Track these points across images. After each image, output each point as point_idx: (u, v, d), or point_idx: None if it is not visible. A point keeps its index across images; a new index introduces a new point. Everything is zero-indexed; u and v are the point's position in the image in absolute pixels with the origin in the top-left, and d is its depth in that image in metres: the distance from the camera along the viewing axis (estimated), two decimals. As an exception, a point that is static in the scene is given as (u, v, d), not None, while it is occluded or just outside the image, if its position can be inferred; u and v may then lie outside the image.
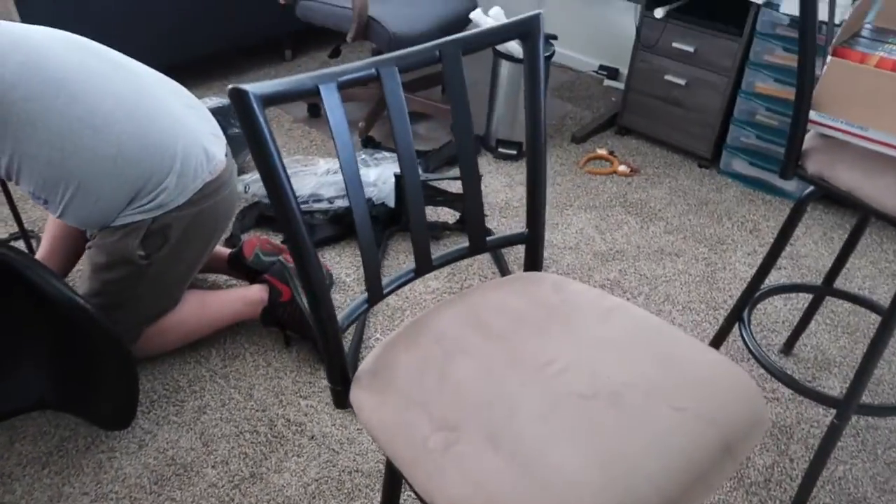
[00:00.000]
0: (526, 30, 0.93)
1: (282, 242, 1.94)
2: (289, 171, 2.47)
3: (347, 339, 1.76)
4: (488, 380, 0.83)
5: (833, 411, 1.58)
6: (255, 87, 0.70)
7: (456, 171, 2.44)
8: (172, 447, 1.48)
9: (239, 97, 0.69)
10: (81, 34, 1.52)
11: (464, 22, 2.56)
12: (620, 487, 0.70)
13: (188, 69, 2.99)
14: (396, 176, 2.08)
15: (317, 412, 1.58)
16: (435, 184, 2.22)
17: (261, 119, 0.70)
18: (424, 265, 0.97)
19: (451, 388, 0.82)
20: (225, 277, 1.94)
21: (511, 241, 1.08)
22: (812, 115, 1.15)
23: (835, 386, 1.74)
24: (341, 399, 0.88)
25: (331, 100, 0.78)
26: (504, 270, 2.03)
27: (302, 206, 2.15)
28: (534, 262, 1.10)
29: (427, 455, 0.75)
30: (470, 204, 1.00)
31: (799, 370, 1.78)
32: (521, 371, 0.85)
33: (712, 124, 2.55)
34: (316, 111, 2.81)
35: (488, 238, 1.05)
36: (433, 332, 0.91)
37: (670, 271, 2.11)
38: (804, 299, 2.04)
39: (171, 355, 1.70)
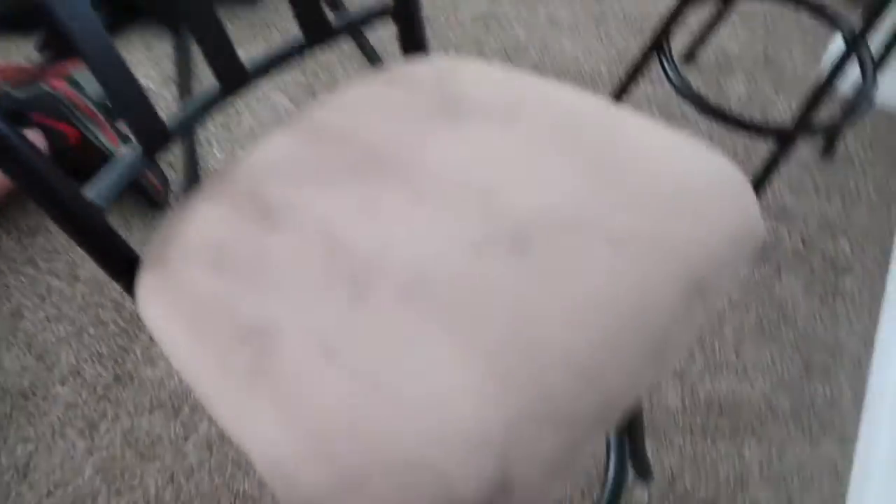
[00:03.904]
0: None
1: (41, 53, 1.40)
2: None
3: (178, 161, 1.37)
4: (325, 245, 0.52)
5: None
6: None
7: None
8: (-3, 374, 1.14)
9: None
10: None
11: None
12: (525, 388, 0.43)
13: None
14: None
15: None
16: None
17: None
18: (233, 77, 0.61)
19: (267, 268, 0.52)
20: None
21: (369, 16, 0.70)
22: None
23: (741, 88, 1.59)
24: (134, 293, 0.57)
25: None
26: (375, 61, 1.60)
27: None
28: (412, 39, 0.73)
29: (230, 381, 0.47)
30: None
31: (703, 79, 1.60)
32: (376, 224, 0.53)
33: None
34: None
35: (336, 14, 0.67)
36: (254, 177, 0.58)
37: (539, -16, 1.77)
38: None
39: (-56, 247, 1.25)
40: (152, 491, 1.04)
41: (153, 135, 0.55)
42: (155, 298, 0.53)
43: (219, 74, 0.59)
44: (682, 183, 0.53)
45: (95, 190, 0.52)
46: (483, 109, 0.61)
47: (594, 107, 0.60)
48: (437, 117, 0.60)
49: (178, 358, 0.51)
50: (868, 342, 1.21)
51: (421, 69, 0.67)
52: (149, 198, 1.29)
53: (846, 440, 1.10)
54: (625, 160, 0.55)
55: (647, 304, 0.47)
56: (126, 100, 0.52)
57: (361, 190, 0.55)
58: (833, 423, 1.12)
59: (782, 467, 1.07)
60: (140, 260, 0.56)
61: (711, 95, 1.59)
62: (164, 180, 1.28)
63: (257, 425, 0.45)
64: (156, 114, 0.54)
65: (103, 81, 0.50)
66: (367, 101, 0.63)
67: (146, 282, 0.54)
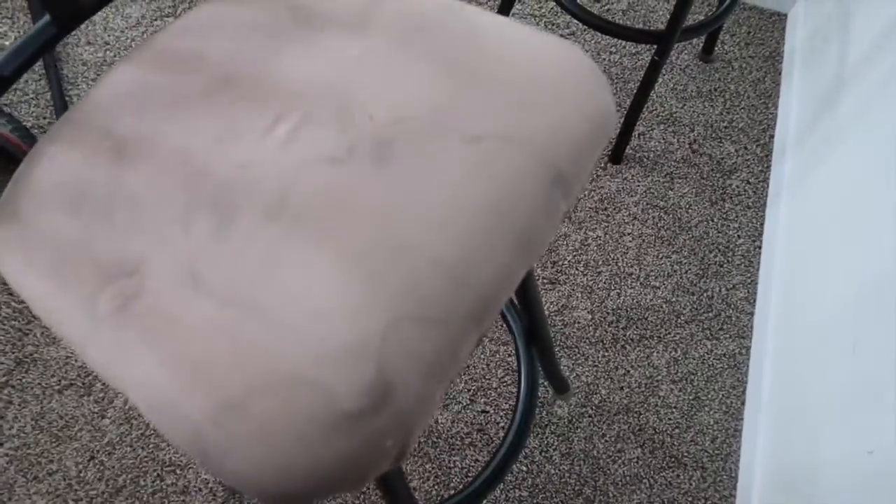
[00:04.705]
0: None
1: None
2: None
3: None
4: (184, 175, 0.51)
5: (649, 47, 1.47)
6: None
7: None
8: None
9: None
10: None
11: None
12: (397, 293, 0.44)
13: None
14: None
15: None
16: None
17: None
18: (64, 8, 0.55)
19: (126, 205, 0.50)
20: None
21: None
22: None
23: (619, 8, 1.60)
24: None
25: None
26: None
27: None
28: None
29: (99, 327, 0.46)
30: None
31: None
32: (234, 148, 0.51)
33: None
34: None
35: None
36: (101, 112, 0.55)
37: None
38: None
39: None
40: (73, 473, 1.02)
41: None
42: (10, 253, 0.49)
43: (49, 7, 0.54)
44: (535, 76, 0.54)
45: None
46: (333, 18, 0.58)
47: (446, 7, 0.59)
48: (287, 31, 0.58)
49: (44, 312, 0.48)
50: (756, 239, 1.28)
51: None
52: (14, 159, 1.20)
53: (743, 335, 1.18)
54: (479, 58, 0.55)
55: (509, 199, 0.48)
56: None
57: (216, 115, 0.52)
58: (730, 320, 1.20)
59: (688, 367, 1.15)
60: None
61: (595, 10, 1.60)
62: (28, 137, 1.19)
63: (132, 367, 0.43)
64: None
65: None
66: (211, 22, 0.59)
67: (2, 229, 0.50)
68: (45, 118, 1.30)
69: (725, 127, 1.43)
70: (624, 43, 1.55)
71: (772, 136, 1.42)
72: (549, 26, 1.54)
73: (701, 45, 1.55)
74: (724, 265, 1.25)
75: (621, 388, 1.12)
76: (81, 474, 1.02)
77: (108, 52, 1.38)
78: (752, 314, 1.20)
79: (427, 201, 0.46)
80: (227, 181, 0.48)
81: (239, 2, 0.60)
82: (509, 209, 0.47)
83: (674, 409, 1.11)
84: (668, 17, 1.60)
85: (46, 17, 0.54)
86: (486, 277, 0.45)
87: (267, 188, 0.48)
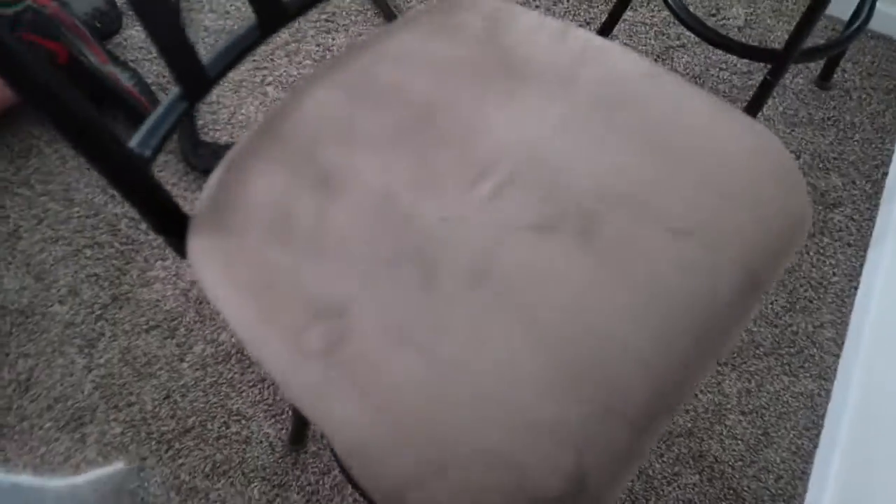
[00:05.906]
0: None
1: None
2: None
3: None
4: (388, 218, 0.51)
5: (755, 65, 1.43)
6: None
7: None
8: (-5, 293, 1.15)
9: None
10: None
11: None
12: (595, 382, 0.45)
13: None
14: None
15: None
16: None
17: None
18: (271, 13, 0.58)
19: (332, 240, 0.50)
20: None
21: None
22: None
23: (739, 15, 1.55)
24: (181, 249, 0.57)
25: None
26: (388, 13, 1.50)
27: None
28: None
29: (304, 362, 0.47)
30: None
31: (702, 6, 1.56)
32: (439, 198, 0.52)
33: None
34: None
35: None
36: (305, 136, 0.56)
37: None
38: None
39: (-64, 166, 1.25)
40: (149, 407, 1.08)
41: (194, 80, 0.54)
42: (212, 261, 0.52)
43: (257, 10, 0.57)
44: (739, 167, 0.54)
45: (139, 139, 0.51)
46: (538, 70, 0.60)
47: (650, 75, 0.59)
48: (492, 77, 0.59)
49: (243, 331, 0.50)
50: (853, 279, 1.22)
51: (467, 17, 0.65)
52: (136, 113, 1.26)
53: (825, 376, 1.13)
54: (682, 140, 0.55)
55: (706, 297, 0.48)
56: (169, 41, 0.50)
57: (419, 156, 0.54)
58: (813, 359, 1.15)
59: (760, 400, 1.11)
60: (188, 218, 0.56)
61: (710, 23, 1.56)
62: (149, 94, 1.26)
63: (337, 407, 0.45)
64: (197, 58, 0.53)
65: (150, 22, 0.48)
66: (414, 53, 0.61)
67: (200, 244, 0.53)
68: (164, 76, 1.38)
69: (834, 158, 1.37)
70: (735, 60, 1.50)
71: (884, 174, 1.34)
72: (660, 36, 1.51)
73: (819, 70, 1.48)
74: (815, 301, 1.20)
75: (686, 411, 1.09)
76: (156, 410, 1.08)
77: (227, 21, 1.45)
78: (837, 356, 1.14)
79: (629, 290, 0.47)
80: (431, 232, 0.50)
81: (438, 32, 0.62)
82: (707, 310, 0.48)
83: (739, 441, 1.07)
84: (787, 37, 1.55)
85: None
86: (680, 376, 0.46)
87: (471, 248, 0.49)
